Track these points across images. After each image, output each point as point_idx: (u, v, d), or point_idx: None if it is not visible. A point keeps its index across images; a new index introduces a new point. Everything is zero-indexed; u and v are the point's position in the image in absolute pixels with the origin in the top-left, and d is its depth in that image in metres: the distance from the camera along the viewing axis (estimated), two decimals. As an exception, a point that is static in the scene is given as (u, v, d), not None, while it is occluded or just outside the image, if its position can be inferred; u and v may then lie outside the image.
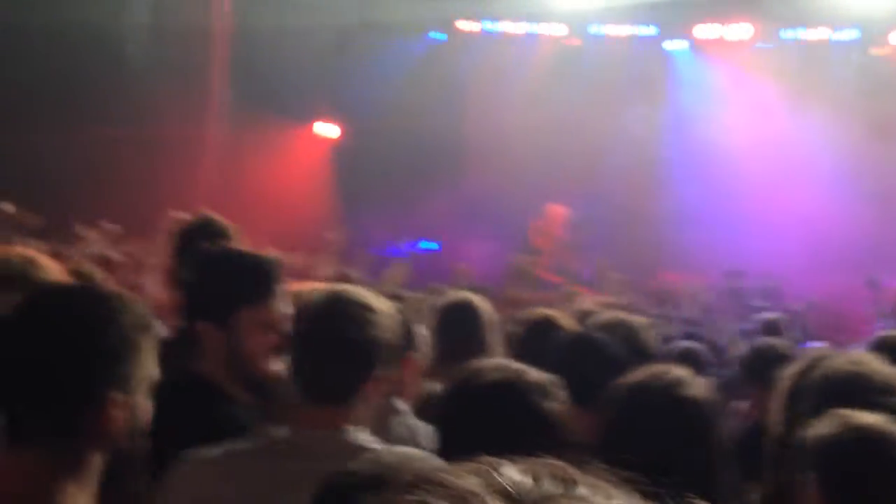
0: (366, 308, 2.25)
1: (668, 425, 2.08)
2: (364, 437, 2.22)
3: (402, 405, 2.96)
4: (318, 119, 14.08)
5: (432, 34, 14.64)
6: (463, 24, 14.50)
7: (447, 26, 14.49)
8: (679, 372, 2.21)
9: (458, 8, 13.89)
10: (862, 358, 2.36)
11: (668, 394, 2.13)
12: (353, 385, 2.24)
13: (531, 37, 14.53)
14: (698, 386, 2.18)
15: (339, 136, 14.10)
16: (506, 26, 14.52)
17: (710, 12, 13.40)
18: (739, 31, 13.67)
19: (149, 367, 1.78)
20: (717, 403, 2.21)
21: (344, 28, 13.53)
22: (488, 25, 14.57)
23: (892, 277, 10.56)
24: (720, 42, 13.80)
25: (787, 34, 13.75)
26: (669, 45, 14.31)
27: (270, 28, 13.07)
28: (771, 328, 6.21)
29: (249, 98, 12.22)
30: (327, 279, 6.87)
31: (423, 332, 3.18)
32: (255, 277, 2.55)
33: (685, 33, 14.12)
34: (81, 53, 11.55)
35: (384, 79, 13.46)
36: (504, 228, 12.11)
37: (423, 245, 13.79)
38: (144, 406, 1.78)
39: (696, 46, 14.08)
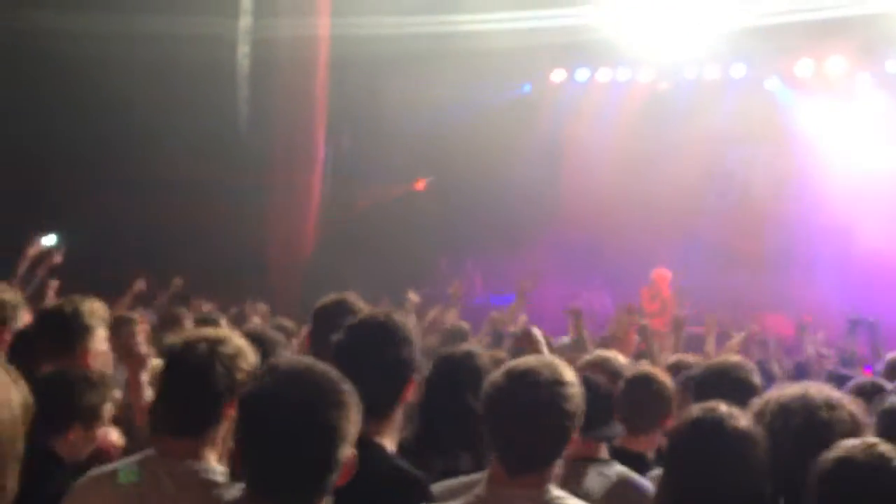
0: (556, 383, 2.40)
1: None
2: (558, 492, 2.41)
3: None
4: (416, 175, 14.32)
5: (524, 86, 14.79)
6: (554, 75, 14.62)
7: (538, 77, 14.63)
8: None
9: (550, 58, 13.99)
10: None
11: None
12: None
13: (620, 84, 14.54)
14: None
15: (437, 189, 14.29)
16: (596, 74, 14.57)
17: (805, 47, 13.14)
18: (837, 65, 13.37)
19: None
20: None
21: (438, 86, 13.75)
22: (578, 75, 14.66)
23: None
24: (819, 77, 13.52)
25: (891, 66, 13.38)
26: (768, 83, 14.10)
27: (373, 94, 13.39)
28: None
29: (351, 159, 12.56)
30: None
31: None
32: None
33: (778, 70, 13.89)
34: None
35: (477, 131, 13.62)
36: (606, 278, 12.04)
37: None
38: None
39: (792, 83, 13.83)
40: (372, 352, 2.73)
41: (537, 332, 4.09)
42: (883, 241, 11.77)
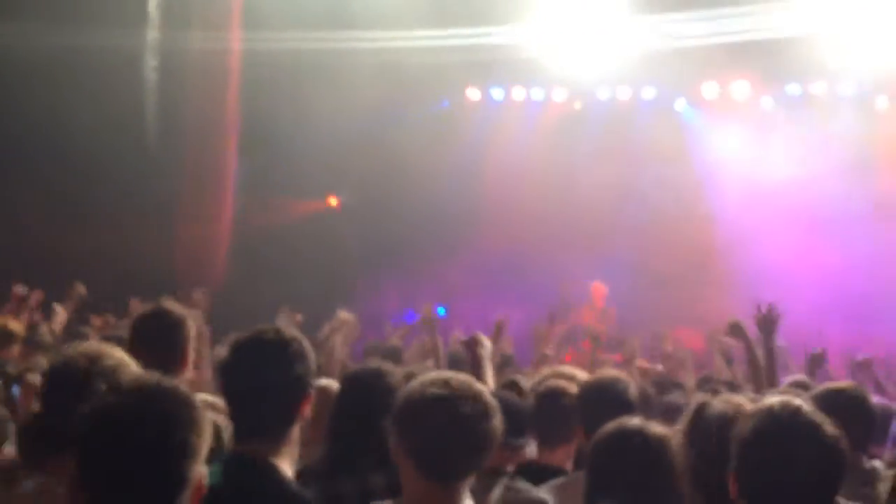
0: None
1: None
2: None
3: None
4: (330, 191, 14.20)
5: (443, 102, 14.85)
6: (470, 93, 14.73)
7: (455, 94, 14.70)
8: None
9: (465, 76, 14.09)
10: None
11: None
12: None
13: (535, 103, 14.73)
14: None
15: (352, 206, 14.20)
16: (512, 93, 14.73)
17: (712, 71, 13.55)
18: (742, 88, 13.84)
19: None
20: None
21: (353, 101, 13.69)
22: (494, 93, 14.79)
23: None
24: (724, 100, 13.97)
25: (792, 89, 13.91)
26: (677, 104, 14.48)
27: (286, 108, 13.24)
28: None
29: (262, 175, 12.36)
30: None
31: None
32: None
33: (686, 93, 14.29)
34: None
35: (395, 147, 13.60)
36: (520, 293, 12.12)
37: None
38: None
39: (699, 105, 14.25)
40: (260, 369, 2.65)
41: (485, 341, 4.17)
42: (785, 254, 12.18)
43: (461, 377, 2.49)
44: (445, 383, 2.42)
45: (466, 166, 13.96)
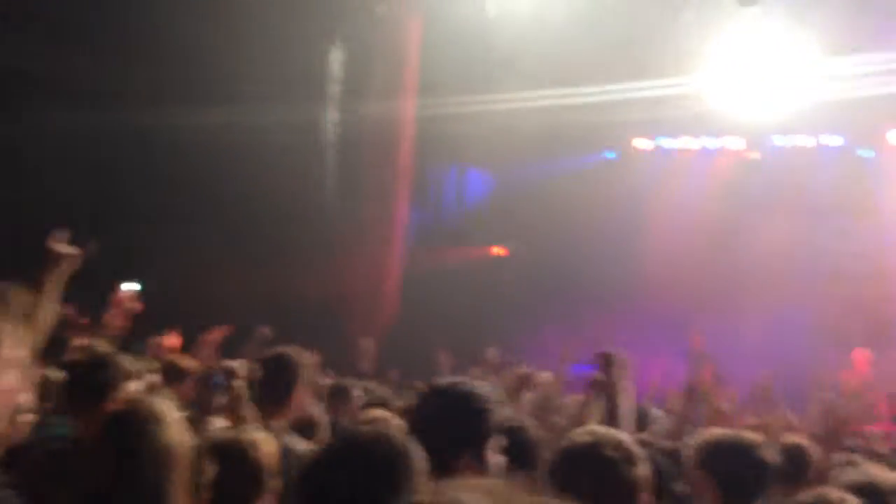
0: None
1: None
2: None
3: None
4: (495, 242, 14.45)
5: (606, 153, 14.80)
6: (638, 142, 14.59)
7: (622, 144, 14.62)
8: None
9: (633, 126, 13.99)
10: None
11: None
12: None
13: (708, 151, 14.38)
14: None
15: (516, 257, 14.36)
16: (682, 142, 14.46)
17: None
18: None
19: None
20: None
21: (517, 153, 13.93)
22: (663, 142, 14.57)
23: None
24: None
25: None
26: (862, 151, 13.70)
27: (451, 161, 13.71)
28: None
29: (428, 226, 12.82)
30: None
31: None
32: None
33: (874, 141, 13.50)
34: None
35: (558, 198, 13.67)
36: (678, 351, 11.75)
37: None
38: None
39: (886, 152, 13.40)
40: (448, 420, 2.66)
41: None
42: None
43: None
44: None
45: (635, 216, 13.80)
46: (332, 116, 12.93)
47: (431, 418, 2.66)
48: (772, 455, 3.53)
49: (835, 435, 5.45)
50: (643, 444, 5.00)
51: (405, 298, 13.09)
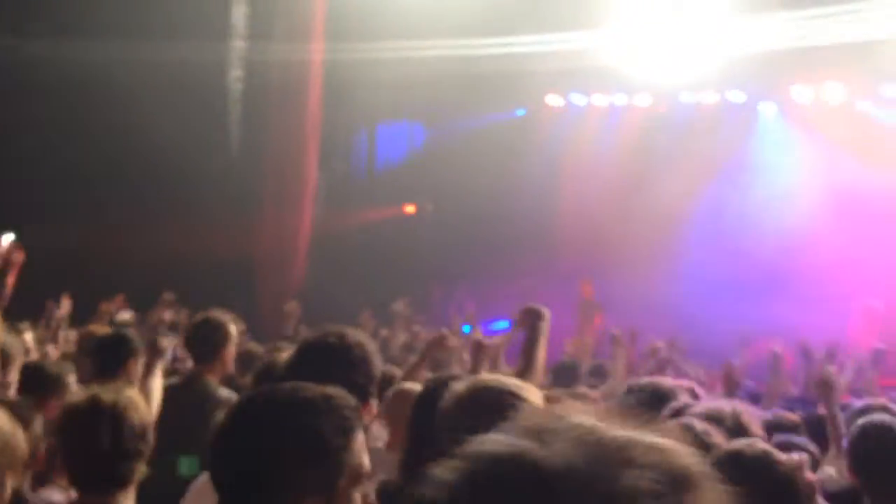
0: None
1: None
2: None
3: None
4: (407, 200, 14.23)
5: (517, 110, 14.72)
6: (550, 99, 14.54)
7: (533, 101, 14.54)
8: None
9: (545, 83, 13.93)
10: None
11: None
12: None
13: (617, 108, 14.46)
14: None
15: (429, 215, 14.19)
16: (593, 99, 14.49)
17: (803, 73, 13.04)
18: (834, 91, 13.26)
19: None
20: None
21: (429, 108, 13.72)
22: (575, 99, 14.57)
23: None
24: (816, 103, 13.41)
25: (887, 91, 13.26)
26: (762, 107, 13.98)
27: (362, 115, 13.37)
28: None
29: (341, 182, 12.51)
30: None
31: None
32: None
33: (777, 96, 13.79)
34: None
35: (470, 156, 13.52)
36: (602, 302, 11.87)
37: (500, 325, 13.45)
38: None
39: (789, 109, 13.70)
40: (321, 374, 2.56)
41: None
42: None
43: None
44: None
45: (545, 173, 13.78)
46: (236, 68, 12.40)
47: (308, 372, 2.48)
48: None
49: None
50: (576, 396, 4.90)
51: (317, 258, 12.76)
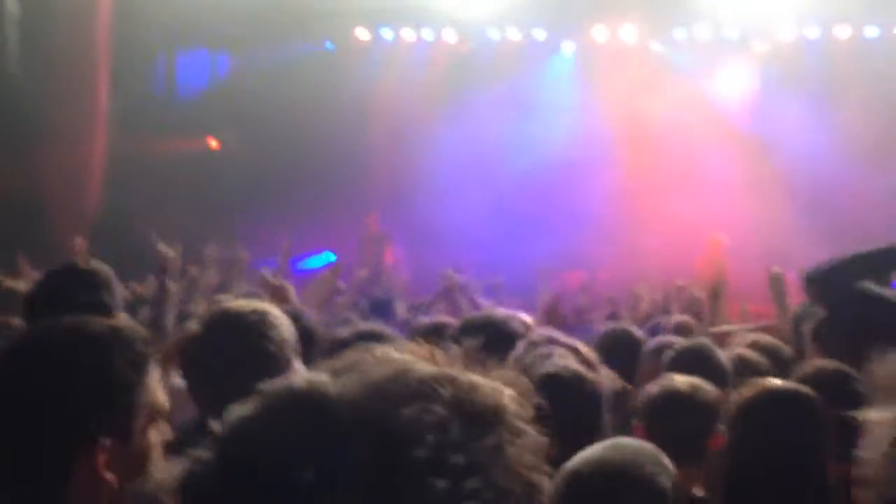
0: None
1: None
2: None
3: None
4: (209, 133, 13.65)
5: (326, 43, 14.39)
6: (359, 32, 14.29)
7: (342, 35, 14.26)
8: None
9: (353, 16, 13.68)
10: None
11: None
12: None
13: (424, 44, 14.45)
14: None
15: (232, 150, 13.69)
16: (402, 34, 14.38)
17: (601, 14, 13.53)
18: (629, 32, 13.86)
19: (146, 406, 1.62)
20: None
21: (232, 37, 13.16)
22: (384, 33, 14.41)
23: None
24: (612, 44, 13.97)
25: (679, 34, 14.03)
26: (564, 47, 14.41)
27: (158, 39, 12.60)
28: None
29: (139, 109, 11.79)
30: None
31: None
32: None
33: (577, 36, 14.24)
34: None
35: (277, 89, 13.12)
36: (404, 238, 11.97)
37: (321, 259, 13.30)
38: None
39: (589, 49, 14.20)
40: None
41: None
42: (668, 201, 12.35)
43: None
44: None
45: (354, 108, 13.62)
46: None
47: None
48: None
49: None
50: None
51: (112, 192, 12.01)
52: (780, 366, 3.79)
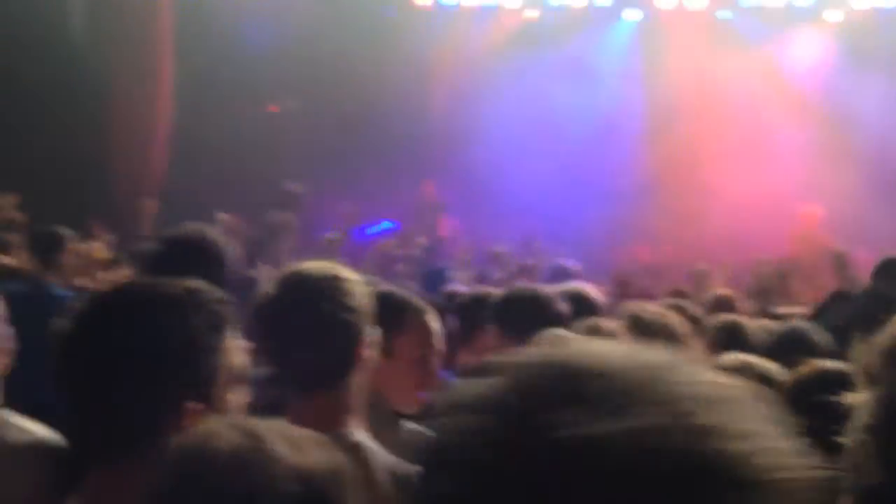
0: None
1: None
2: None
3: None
4: (271, 99, 13.74)
5: (387, 8, 14.31)
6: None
7: (403, 1, 14.18)
8: None
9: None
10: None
11: None
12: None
13: (486, 10, 14.30)
14: None
15: (296, 113, 13.76)
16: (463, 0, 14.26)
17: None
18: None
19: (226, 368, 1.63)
20: None
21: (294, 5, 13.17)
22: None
23: None
24: (677, 11, 13.66)
25: (748, 1, 13.66)
26: (627, 14, 14.13)
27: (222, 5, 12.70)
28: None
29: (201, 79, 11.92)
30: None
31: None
32: None
33: (640, 3, 13.96)
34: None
35: (339, 56, 13.13)
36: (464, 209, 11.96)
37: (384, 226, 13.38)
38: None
39: (654, 16, 13.91)
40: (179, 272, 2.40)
41: None
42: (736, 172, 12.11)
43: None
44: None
45: (414, 76, 13.56)
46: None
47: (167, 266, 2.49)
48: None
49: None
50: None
51: (178, 155, 12.19)
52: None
